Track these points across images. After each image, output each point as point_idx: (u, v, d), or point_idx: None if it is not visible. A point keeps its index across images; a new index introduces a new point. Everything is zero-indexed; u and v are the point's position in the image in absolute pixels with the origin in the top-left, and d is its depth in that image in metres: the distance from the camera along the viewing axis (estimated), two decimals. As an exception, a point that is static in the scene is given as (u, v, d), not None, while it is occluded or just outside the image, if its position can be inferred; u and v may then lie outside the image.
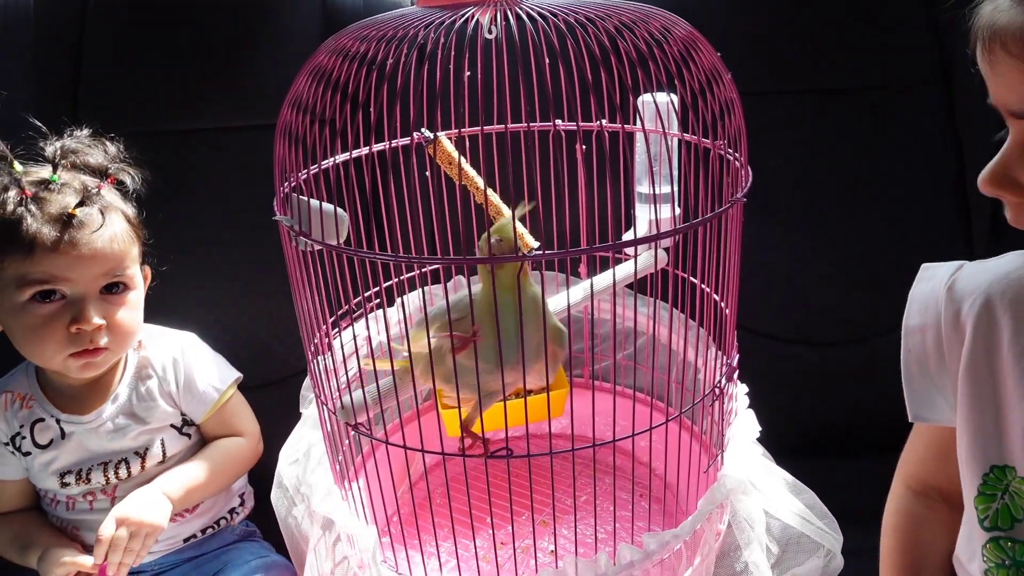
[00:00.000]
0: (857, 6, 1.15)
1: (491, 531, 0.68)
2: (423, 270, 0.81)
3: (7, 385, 0.92)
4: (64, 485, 0.89)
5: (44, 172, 0.85)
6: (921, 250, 1.16)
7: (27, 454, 0.89)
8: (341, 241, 0.58)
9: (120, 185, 0.89)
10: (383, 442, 0.58)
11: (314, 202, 0.57)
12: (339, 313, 0.70)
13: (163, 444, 0.92)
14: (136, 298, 0.89)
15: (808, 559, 0.69)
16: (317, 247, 0.56)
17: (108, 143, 0.89)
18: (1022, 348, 0.59)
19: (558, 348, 0.65)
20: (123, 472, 0.90)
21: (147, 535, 0.83)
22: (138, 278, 0.89)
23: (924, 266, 0.69)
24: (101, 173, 0.87)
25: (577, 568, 0.59)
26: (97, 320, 0.83)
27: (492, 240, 0.55)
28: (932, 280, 0.67)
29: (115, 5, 1.12)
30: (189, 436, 0.94)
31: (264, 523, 1.00)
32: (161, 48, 1.10)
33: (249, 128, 1.09)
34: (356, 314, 0.73)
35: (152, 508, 0.85)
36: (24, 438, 0.89)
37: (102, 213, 0.84)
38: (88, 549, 0.87)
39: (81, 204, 0.83)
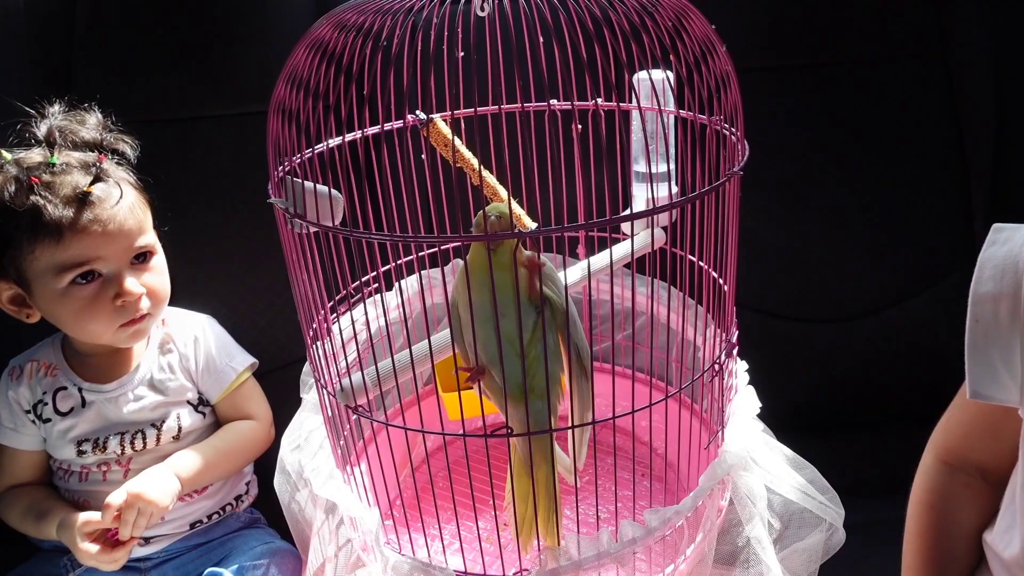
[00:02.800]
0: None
1: (493, 512, 0.69)
2: (420, 254, 0.81)
3: (34, 354, 0.94)
4: (80, 453, 0.90)
5: (35, 156, 0.85)
6: (920, 225, 1.17)
7: (47, 421, 0.91)
8: (336, 222, 0.58)
9: (116, 154, 0.89)
10: (384, 424, 0.58)
11: (308, 184, 0.57)
12: (337, 297, 0.70)
13: (179, 418, 0.93)
14: (161, 262, 0.91)
15: (810, 534, 0.69)
16: (313, 229, 0.56)
17: (88, 115, 0.89)
18: None
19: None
20: (139, 443, 0.91)
21: (152, 513, 0.84)
22: (157, 243, 0.91)
23: (996, 227, 0.62)
24: (96, 146, 0.87)
25: (579, 546, 0.59)
26: (138, 289, 0.86)
27: (490, 217, 0.54)
28: (1008, 243, 0.59)
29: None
30: (204, 415, 0.95)
31: (268, 510, 1.00)
32: (153, 36, 1.09)
33: (243, 115, 1.09)
34: (355, 298, 0.73)
35: (160, 487, 0.86)
36: (46, 405, 0.91)
37: (118, 185, 0.85)
38: None
39: (96, 180, 0.84)
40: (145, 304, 0.87)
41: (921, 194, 1.13)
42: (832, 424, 1.07)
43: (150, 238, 0.89)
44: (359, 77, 0.58)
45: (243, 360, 0.98)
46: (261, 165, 0.66)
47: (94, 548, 0.83)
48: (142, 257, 0.88)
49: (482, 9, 0.60)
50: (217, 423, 0.97)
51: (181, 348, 0.95)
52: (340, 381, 0.58)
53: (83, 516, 0.85)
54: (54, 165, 0.83)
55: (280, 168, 0.62)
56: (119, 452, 0.90)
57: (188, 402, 0.94)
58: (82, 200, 0.82)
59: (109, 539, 0.84)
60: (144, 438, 0.91)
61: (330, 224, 0.57)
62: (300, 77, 0.60)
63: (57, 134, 0.86)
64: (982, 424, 0.67)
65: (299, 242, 0.60)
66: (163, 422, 0.92)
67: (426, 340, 0.56)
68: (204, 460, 0.91)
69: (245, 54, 1.10)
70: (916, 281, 1.13)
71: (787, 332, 1.13)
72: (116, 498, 0.83)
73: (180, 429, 0.93)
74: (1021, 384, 0.58)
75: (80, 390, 0.91)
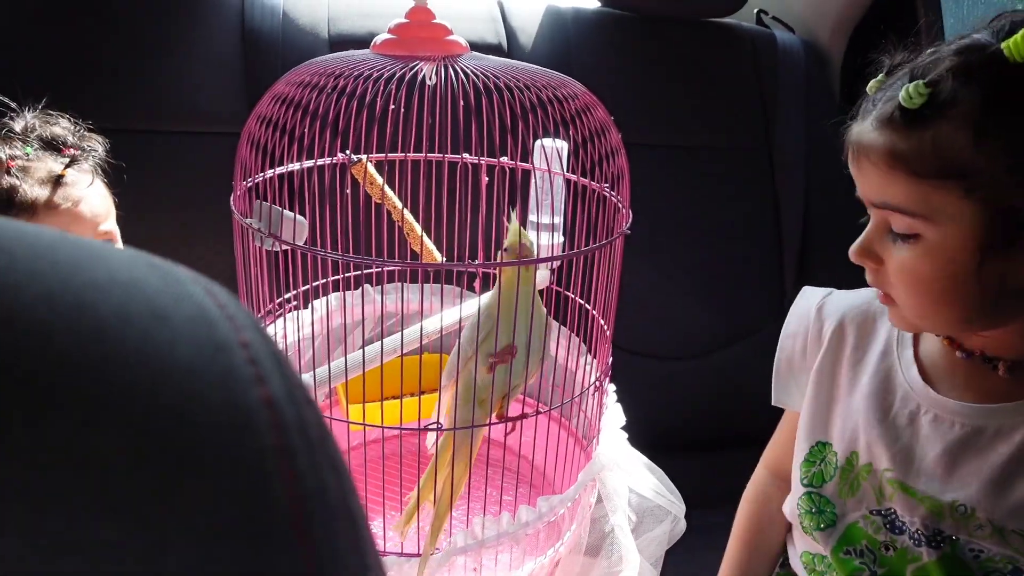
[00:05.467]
0: (709, 93, 1.40)
1: (398, 510, 0.78)
2: (346, 275, 0.90)
3: None
4: None
5: (10, 147, 0.87)
6: (747, 287, 1.42)
7: None
8: (302, 242, 0.67)
9: (84, 151, 0.92)
10: (329, 419, 0.67)
11: (286, 212, 0.66)
12: (278, 301, 0.79)
13: None
14: None
15: (659, 524, 0.85)
16: (285, 247, 0.65)
17: (60, 118, 0.93)
18: (856, 360, 0.78)
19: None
20: None
21: None
22: (119, 234, 0.95)
23: (804, 289, 0.86)
24: (65, 143, 0.91)
25: (484, 526, 0.70)
26: None
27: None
28: (807, 300, 0.85)
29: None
30: None
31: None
32: (72, 48, 1.11)
33: (163, 133, 1.13)
34: (284, 309, 0.82)
35: None
36: None
37: (91, 172, 0.90)
38: None
39: (72, 163, 0.88)
40: None
41: (750, 263, 1.41)
42: (679, 444, 1.26)
43: (114, 226, 0.93)
44: (314, 114, 0.68)
45: None
46: (184, 180, 0.70)
47: None
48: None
49: (430, 79, 0.73)
50: None
51: None
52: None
53: None
54: (29, 153, 0.87)
55: (241, 185, 0.70)
56: None
57: None
58: (56, 182, 0.86)
59: None
60: None
61: (300, 243, 0.66)
62: (267, 117, 0.69)
63: (36, 125, 0.89)
64: (793, 439, 0.87)
65: (257, 254, 0.69)
66: None
67: (378, 343, 0.67)
68: None
69: (165, 75, 1.14)
70: (740, 330, 1.38)
71: (644, 367, 1.33)
72: None
73: None
74: (803, 394, 0.82)
75: None
